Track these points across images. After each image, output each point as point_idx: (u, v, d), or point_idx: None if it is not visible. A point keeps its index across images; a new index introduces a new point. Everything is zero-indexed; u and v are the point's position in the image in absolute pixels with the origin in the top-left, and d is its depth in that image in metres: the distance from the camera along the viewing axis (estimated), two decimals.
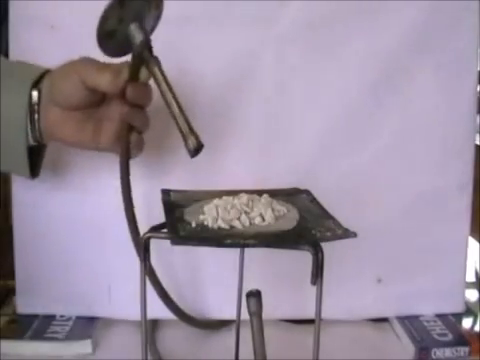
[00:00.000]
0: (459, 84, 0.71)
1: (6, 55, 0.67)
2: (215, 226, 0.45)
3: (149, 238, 0.45)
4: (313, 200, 0.52)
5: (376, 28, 0.69)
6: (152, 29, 0.52)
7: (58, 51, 0.64)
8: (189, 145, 0.48)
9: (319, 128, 0.71)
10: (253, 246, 0.43)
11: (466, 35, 0.70)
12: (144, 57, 0.50)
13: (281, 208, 0.48)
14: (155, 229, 0.47)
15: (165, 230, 0.46)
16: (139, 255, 0.55)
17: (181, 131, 0.48)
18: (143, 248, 0.46)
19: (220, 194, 0.50)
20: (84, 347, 0.67)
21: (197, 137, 0.48)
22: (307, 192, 0.54)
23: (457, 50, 0.70)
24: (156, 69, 0.49)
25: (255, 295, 0.45)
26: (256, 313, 0.45)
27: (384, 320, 0.75)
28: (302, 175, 0.68)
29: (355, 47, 0.69)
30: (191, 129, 0.48)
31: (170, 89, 0.49)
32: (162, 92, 0.49)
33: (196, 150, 0.48)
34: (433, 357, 0.67)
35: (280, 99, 0.70)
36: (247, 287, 0.47)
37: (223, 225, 0.45)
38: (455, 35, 0.70)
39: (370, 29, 0.69)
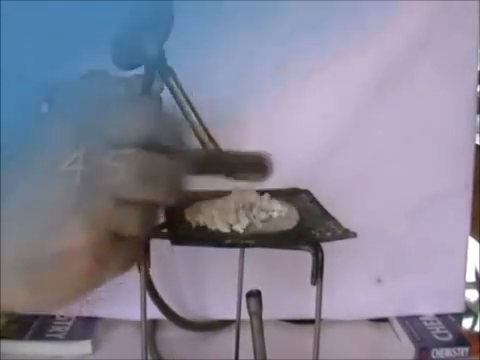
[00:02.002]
0: (459, 84, 0.71)
1: None
2: (215, 226, 0.45)
3: (149, 238, 0.45)
4: (313, 200, 0.52)
5: (376, 28, 0.69)
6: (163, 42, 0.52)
7: None
8: None
9: (319, 128, 0.71)
10: (253, 246, 0.43)
11: (466, 35, 0.70)
12: (160, 68, 0.50)
13: (281, 208, 0.48)
14: (155, 229, 0.47)
15: (165, 230, 0.46)
16: None
17: (200, 140, 0.49)
18: (143, 248, 0.45)
19: (220, 194, 0.50)
20: (84, 347, 0.67)
21: (217, 145, 0.48)
22: (307, 192, 0.54)
23: (457, 50, 0.70)
24: (172, 80, 0.49)
25: (255, 295, 0.45)
26: (256, 313, 0.45)
27: (384, 320, 0.75)
28: (302, 175, 0.67)
29: (355, 47, 0.69)
30: (210, 137, 0.48)
31: (187, 99, 0.49)
32: (179, 103, 0.49)
33: None
34: (433, 357, 0.67)
35: (280, 99, 0.70)
36: (247, 287, 0.47)
37: (223, 225, 0.45)
38: (455, 35, 0.70)
39: (370, 29, 0.69)
